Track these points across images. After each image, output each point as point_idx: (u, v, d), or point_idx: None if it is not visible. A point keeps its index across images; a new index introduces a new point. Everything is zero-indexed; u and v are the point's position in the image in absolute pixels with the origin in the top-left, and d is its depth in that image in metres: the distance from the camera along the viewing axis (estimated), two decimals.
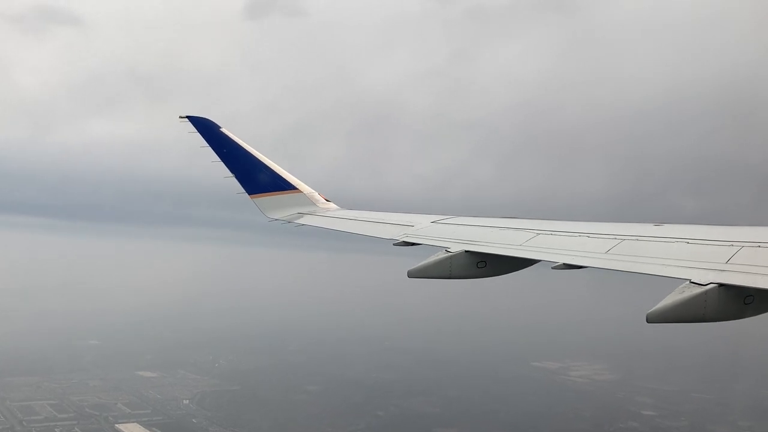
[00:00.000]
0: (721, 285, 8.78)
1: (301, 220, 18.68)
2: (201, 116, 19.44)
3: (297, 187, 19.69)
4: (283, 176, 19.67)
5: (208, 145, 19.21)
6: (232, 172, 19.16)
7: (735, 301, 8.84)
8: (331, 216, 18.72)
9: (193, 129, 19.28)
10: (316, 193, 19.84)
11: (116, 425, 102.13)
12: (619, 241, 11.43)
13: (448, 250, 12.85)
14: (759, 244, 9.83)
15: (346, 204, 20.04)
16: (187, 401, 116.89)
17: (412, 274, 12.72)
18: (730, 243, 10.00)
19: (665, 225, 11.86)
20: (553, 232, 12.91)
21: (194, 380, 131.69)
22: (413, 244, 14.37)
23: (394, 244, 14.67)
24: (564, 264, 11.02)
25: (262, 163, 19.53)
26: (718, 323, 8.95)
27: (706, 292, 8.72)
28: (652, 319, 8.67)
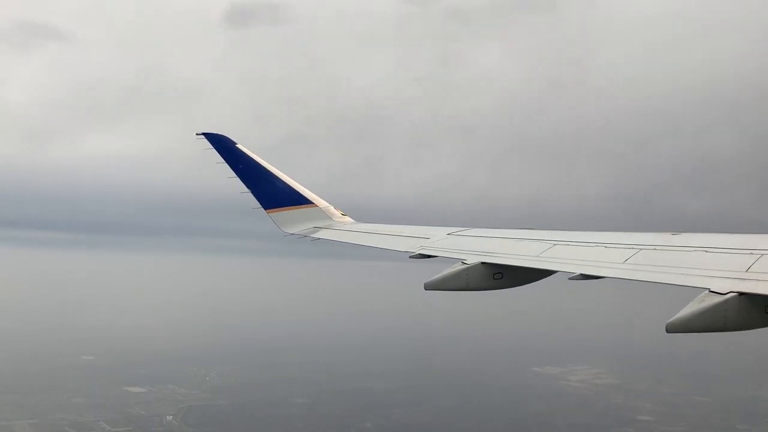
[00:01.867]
0: (741, 294, 8.67)
1: (317, 234, 18.80)
2: (216, 133, 19.62)
3: (313, 201, 19.82)
4: (299, 191, 19.82)
5: (224, 161, 19.37)
6: (248, 187, 19.37)
7: (756, 310, 8.72)
8: (347, 229, 18.88)
9: (209, 146, 19.41)
10: (332, 207, 19.95)
11: None
12: (637, 250, 11.34)
13: (465, 262, 12.87)
14: None
15: (350, 214, 20.24)
16: (171, 417, 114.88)
17: (429, 287, 12.80)
18: (750, 251, 9.81)
19: (683, 234, 11.75)
20: (569, 243, 12.88)
21: (182, 395, 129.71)
22: (429, 256, 14.47)
23: (410, 257, 14.77)
24: (581, 275, 10.98)
25: (278, 178, 19.70)
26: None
27: (726, 302, 8.63)
28: (671, 329, 8.58)
